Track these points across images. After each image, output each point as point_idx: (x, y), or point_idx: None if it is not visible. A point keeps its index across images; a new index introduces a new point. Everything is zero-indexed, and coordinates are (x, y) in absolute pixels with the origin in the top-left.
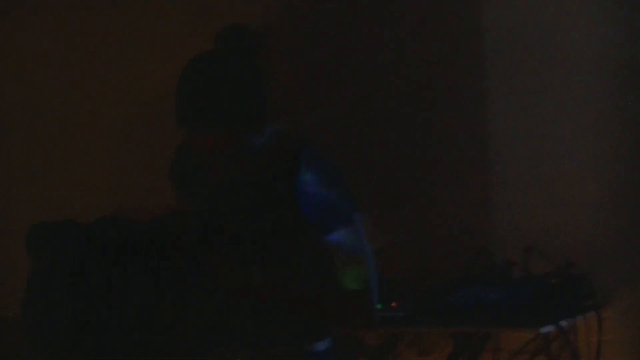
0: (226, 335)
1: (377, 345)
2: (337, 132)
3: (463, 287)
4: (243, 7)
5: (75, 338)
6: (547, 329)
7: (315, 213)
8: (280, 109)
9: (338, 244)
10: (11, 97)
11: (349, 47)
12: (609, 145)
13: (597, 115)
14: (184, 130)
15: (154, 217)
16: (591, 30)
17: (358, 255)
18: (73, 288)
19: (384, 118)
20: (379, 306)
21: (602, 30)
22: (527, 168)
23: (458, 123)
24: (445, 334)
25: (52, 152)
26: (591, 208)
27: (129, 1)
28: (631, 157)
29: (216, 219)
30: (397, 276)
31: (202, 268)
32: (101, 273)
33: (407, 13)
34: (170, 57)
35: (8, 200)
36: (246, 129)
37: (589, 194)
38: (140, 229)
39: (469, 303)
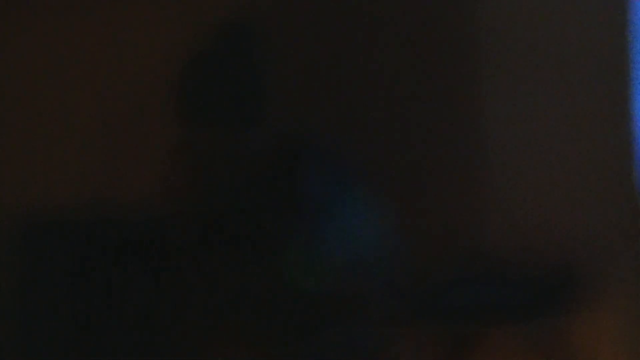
0: (224, 334)
1: (370, 345)
2: (331, 132)
3: (458, 286)
4: (239, 4)
5: (70, 341)
6: (543, 328)
7: (313, 211)
8: (278, 107)
9: (332, 240)
10: None
11: (344, 46)
12: (604, 145)
13: (594, 116)
14: (178, 130)
15: (150, 216)
16: (589, 28)
17: (353, 253)
18: (68, 290)
19: (378, 117)
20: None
21: (599, 27)
22: (523, 167)
23: (453, 122)
24: (440, 333)
25: (37, 146)
26: (587, 207)
27: None
28: (627, 157)
29: (216, 219)
30: (392, 275)
31: (201, 269)
32: (97, 274)
33: (405, 11)
34: (159, 54)
35: None
36: (245, 128)
37: (585, 193)
38: (138, 229)
39: (464, 303)
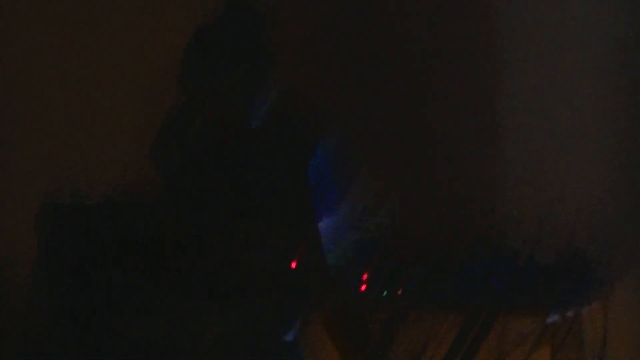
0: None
1: (381, 327)
2: (343, 111)
3: (469, 273)
4: None
5: (72, 322)
6: (553, 317)
7: (317, 199)
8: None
9: (327, 229)
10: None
11: (355, 38)
12: (613, 136)
13: (602, 113)
14: (185, 93)
15: (163, 199)
16: (598, 28)
17: (340, 244)
18: (77, 273)
19: (391, 101)
20: (384, 293)
21: (607, 27)
22: (536, 151)
23: (466, 107)
24: (450, 317)
25: (53, 132)
26: (601, 198)
27: None
28: (634, 147)
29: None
30: (403, 262)
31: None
32: (107, 259)
33: (417, 6)
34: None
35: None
36: (247, 100)
37: (597, 181)
38: (150, 214)
39: (475, 289)
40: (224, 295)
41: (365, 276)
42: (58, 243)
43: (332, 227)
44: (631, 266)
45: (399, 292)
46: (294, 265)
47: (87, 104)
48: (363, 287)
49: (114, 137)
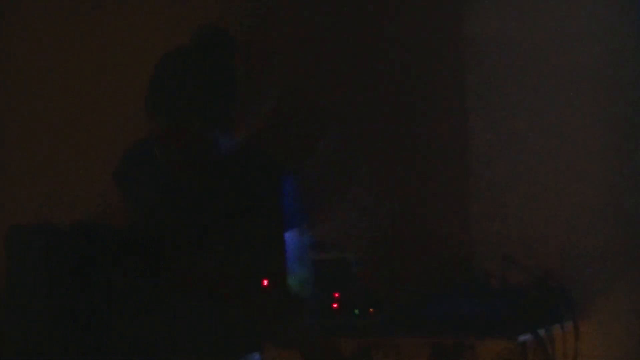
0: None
1: (353, 353)
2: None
3: (441, 296)
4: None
5: (45, 337)
6: (525, 338)
7: (287, 222)
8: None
9: (297, 249)
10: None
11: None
12: (586, 157)
13: (575, 127)
14: (152, 123)
15: (132, 222)
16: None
17: (303, 262)
18: (47, 290)
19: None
20: (356, 311)
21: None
22: (505, 179)
23: (435, 134)
24: (422, 343)
25: (33, 154)
26: (569, 219)
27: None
28: (608, 169)
29: (199, 223)
30: (375, 284)
31: (182, 272)
32: (76, 276)
33: (395, 18)
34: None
35: None
36: (215, 128)
37: (566, 204)
38: (118, 234)
39: (446, 312)
40: (195, 315)
41: (336, 294)
42: (25, 262)
43: (303, 247)
44: (602, 288)
45: (371, 310)
46: (265, 283)
47: (62, 126)
48: (335, 305)
49: (83, 162)
